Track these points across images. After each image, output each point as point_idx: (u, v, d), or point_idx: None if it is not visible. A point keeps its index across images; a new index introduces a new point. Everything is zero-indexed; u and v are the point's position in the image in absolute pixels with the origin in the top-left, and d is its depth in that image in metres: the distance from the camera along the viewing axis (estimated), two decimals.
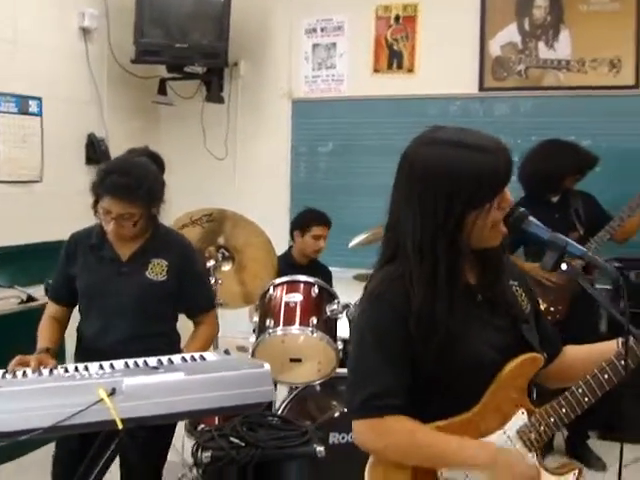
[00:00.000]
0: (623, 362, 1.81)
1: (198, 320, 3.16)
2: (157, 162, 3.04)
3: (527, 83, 5.59)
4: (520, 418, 1.83)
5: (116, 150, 5.58)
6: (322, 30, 6.06)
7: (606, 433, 4.97)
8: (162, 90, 6.10)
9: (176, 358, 2.54)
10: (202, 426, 3.51)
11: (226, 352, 2.69)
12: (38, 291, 4.65)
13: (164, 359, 2.50)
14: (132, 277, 2.94)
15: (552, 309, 4.57)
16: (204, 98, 6.16)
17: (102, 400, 2.08)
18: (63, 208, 5.22)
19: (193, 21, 5.68)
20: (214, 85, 6.06)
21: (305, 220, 4.73)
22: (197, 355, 2.59)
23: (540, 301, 4.44)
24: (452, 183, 1.72)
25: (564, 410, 1.82)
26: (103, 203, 2.79)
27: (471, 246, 1.79)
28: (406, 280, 1.76)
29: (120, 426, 2.05)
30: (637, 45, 5.27)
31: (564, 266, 1.77)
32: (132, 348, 2.70)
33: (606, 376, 1.82)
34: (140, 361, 2.49)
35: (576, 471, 1.88)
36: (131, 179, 2.77)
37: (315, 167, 6.15)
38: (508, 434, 1.82)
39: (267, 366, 2.34)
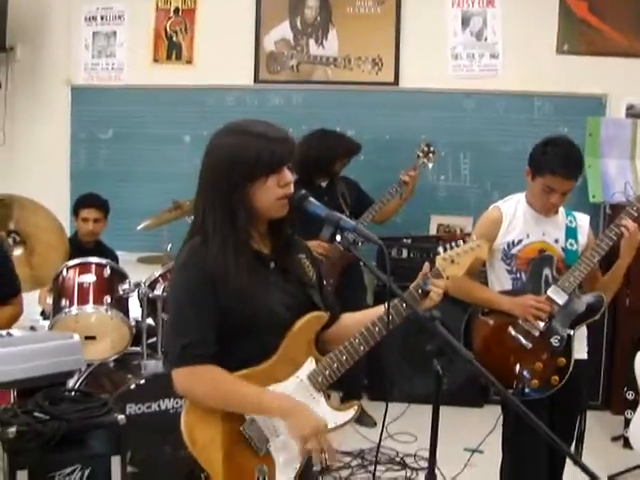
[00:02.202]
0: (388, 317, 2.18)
1: (3, 303, 3.24)
2: None
3: (298, 77, 6.00)
4: (310, 365, 2.18)
5: None
6: (102, 18, 6.12)
7: (374, 394, 5.50)
8: None
9: None
10: None
11: (32, 328, 2.83)
12: None
13: None
14: None
15: (324, 282, 4.96)
16: None
17: None
18: None
19: None
20: None
21: (76, 205, 4.96)
22: (3, 332, 2.70)
23: None
24: (232, 161, 2.07)
25: (344, 357, 2.19)
26: None
27: (260, 216, 2.14)
28: (206, 247, 2.07)
29: None
30: (397, 46, 5.85)
31: (338, 237, 2.13)
32: None
33: (377, 328, 2.19)
34: None
35: (356, 406, 2.27)
36: None
37: (95, 154, 6.19)
38: (301, 378, 2.17)
39: (76, 336, 2.54)
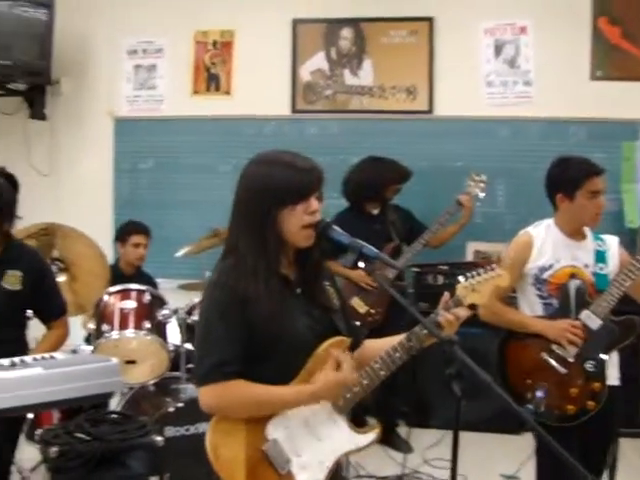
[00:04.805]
0: (410, 342, 2.24)
1: (50, 325, 3.37)
2: (11, 182, 3.23)
3: (335, 107, 6.11)
4: None
5: None
6: (143, 52, 6.33)
7: (411, 421, 5.52)
8: None
9: (28, 358, 2.78)
10: (40, 430, 3.69)
11: (74, 351, 2.95)
12: None
13: (16, 359, 2.73)
14: None
15: (372, 311, 4.99)
16: (27, 115, 6.26)
17: None
18: None
19: (15, 39, 5.78)
20: (37, 102, 6.18)
21: (124, 231, 5.07)
22: (47, 355, 2.83)
23: (362, 304, 4.95)
24: (263, 190, 2.17)
25: (365, 381, 2.25)
26: None
27: (288, 243, 2.22)
28: (238, 269, 2.17)
29: None
30: (430, 75, 5.94)
31: (361, 264, 2.22)
32: None
33: (397, 354, 2.25)
34: None
35: (376, 430, 2.31)
36: None
37: (137, 183, 6.38)
38: (322, 401, 2.22)
39: (115, 360, 2.64)
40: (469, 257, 5.91)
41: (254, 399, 2.15)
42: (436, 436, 4.86)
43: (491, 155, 5.88)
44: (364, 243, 2.20)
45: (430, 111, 5.99)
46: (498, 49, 5.89)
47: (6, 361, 2.70)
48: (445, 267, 5.61)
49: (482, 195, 5.29)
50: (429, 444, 4.84)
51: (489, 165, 5.79)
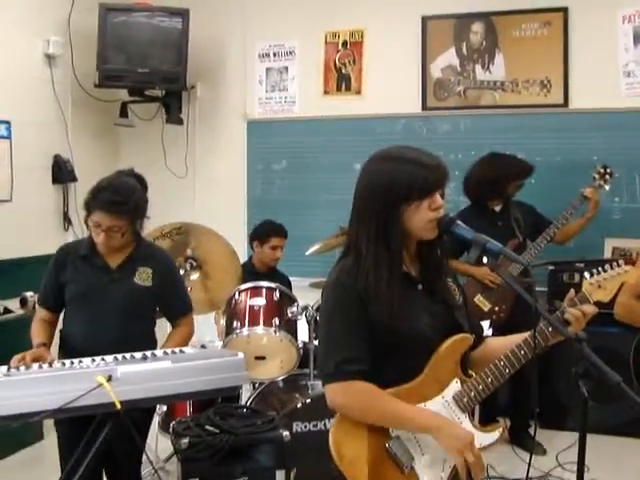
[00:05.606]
0: (535, 340, 2.19)
1: (177, 322, 3.49)
2: (141, 182, 3.38)
3: (466, 103, 6.02)
4: (455, 386, 2.22)
5: (81, 170, 5.88)
6: (275, 55, 6.44)
7: (545, 422, 5.37)
8: (124, 113, 6.41)
9: (159, 352, 2.90)
10: (174, 422, 3.83)
11: (202, 346, 3.04)
12: (13, 304, 4.92)
13: (148, 353, 2.85)
14: (122, 282, 3.25)
15: (496, 309, 4.95)
16: (164, 120, 6.51)
17: (102, 385, 2.43)
18: (32, 225, 5.51)
19: (153, 48, 6.02)
20: (173, 107, 6.41)
21: (264, 232, 5.10)
22: (177, 349, 2.94)
23: (485, 302, 4.86)
24: (388, 185, 2.16)
25: (489, 379, 2.21)
26: (94, 217, 3.12)
27: (411, 237, 2.21)
28: (359, 267, 2.16)
29: (118, 407, 2.39)
30: (565, 67, 5.74)
31: (485, 259, 2.17)
32: (119, 347, 2.98)
33: (522, 352, 2.21)
34: (127, 355, 2.83)
35: (500, 428, 2.28)
36: (119, 196, 3.10)
37: (270, 183, 6.51)
38: (446, 399, 2.21)
39: (241, 354, 2.71)
40: (607, 254, 5.67)
41: (377, 407, 2.13)
42: (570, 439, 4.71)
43: (630, 148, 5.62)
44: (488, 238, 2.17)
45: (565, 104, 5.78)
46: (637, 37, 5.61)
47: (138, 354, 2.83)
48: (581, 265, 5.43)
49: (607, 188, 5.14)
50: (565, 446, 4.69)
51: (628, 159, 5.58)
